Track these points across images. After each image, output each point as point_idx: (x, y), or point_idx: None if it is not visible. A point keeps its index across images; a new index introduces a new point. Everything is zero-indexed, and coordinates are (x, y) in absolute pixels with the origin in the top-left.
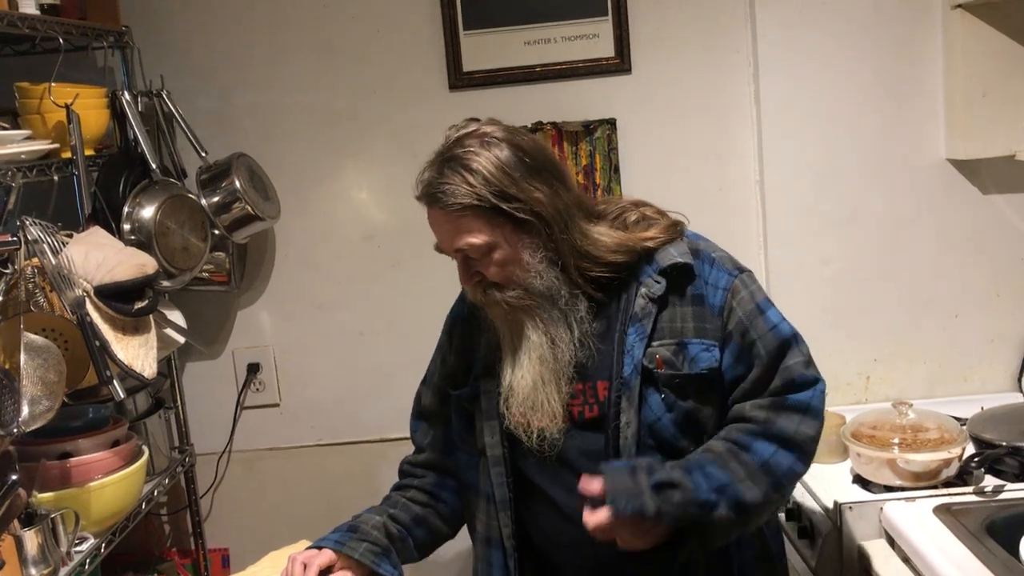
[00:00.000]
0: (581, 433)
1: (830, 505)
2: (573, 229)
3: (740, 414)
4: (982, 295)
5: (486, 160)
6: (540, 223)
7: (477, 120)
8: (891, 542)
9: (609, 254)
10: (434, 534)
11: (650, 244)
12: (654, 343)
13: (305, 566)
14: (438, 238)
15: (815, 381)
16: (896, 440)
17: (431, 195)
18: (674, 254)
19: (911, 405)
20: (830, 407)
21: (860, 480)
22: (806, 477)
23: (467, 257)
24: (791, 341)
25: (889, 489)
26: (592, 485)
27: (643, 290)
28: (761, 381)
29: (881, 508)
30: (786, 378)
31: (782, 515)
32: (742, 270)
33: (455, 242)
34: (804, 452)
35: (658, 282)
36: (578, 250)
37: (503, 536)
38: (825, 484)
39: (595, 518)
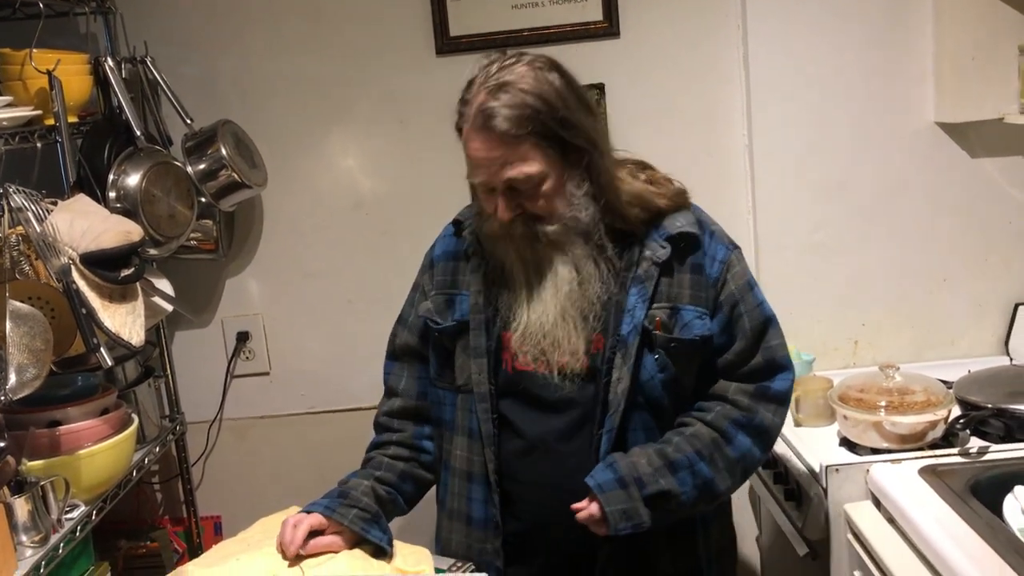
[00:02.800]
0: (568, 382)
1: (817, 467)
2: (609, 163)
3: (724, 393)
4: (970, 259)
5: (545, 85)
6: (591, 152)
7: (504, 53)
8: (877, 503)
9: (626, 205)
10: (420, 485)
11: (662, 204)
12: (654, 306)
13: (296, 527)
14: (483, 167)
15: (790, 367)
16: (883, 403)
17: (486, 120)
18: (682, 223)
19: (898, 368)
20: (818, 371)
21: (847, 443)
22: (794, 440)
23: (512, 188)
24: (773, 321)
25: (875, 451)
26: (590, 509)
27: (648, 253)
28: (744, 354)
29: (867, 470)
30: (768, 357)
31: (771, 480)
32: (735, 246)
33: (507, 172)
34: (772, 444)
35: (663, 247)
36: (609, 188)
37: (488, 471)
38: (812, 447)
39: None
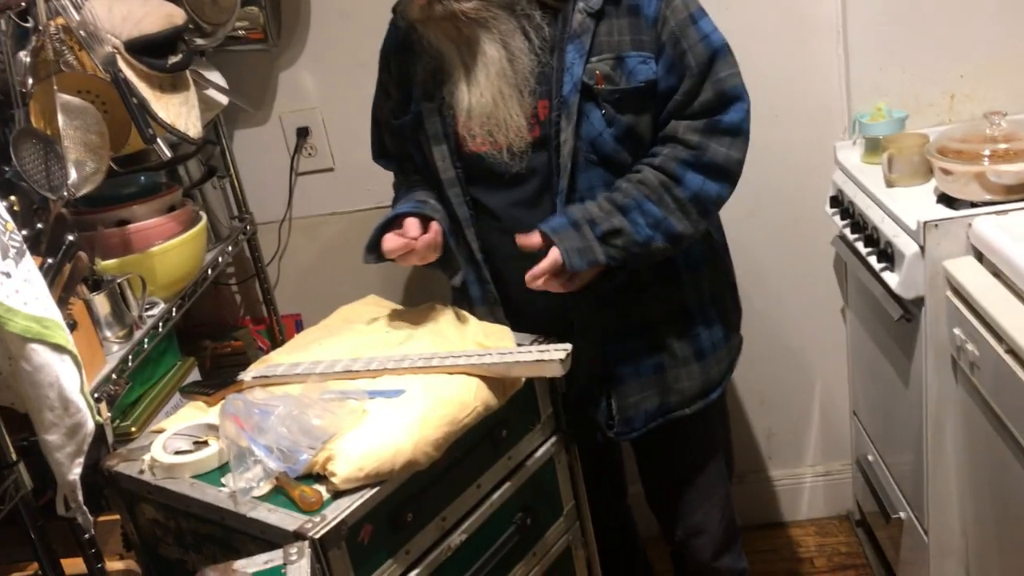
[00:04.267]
0: (517, 159)
1: (913, 225)
2: None
3: (674, 134)
4: None
5: None
6: None
7: None
8: (979, 258)
9: None
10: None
11: None
12: (593, 59)
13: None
14: None
15: (743, 97)
16: (987, 152)
17: None
18: None
19: (1004, 114)
20: (911, 128)
21: (945, 199)
22: (887, 201)
23: None
24: (721, 51)
25: (978, 206)
26: (531, 240)
27: (580, 5)
28: (692, 92)
29: (969, 224)
30: (717, 90)
31: (860, 243)
32: None
33: None
34: (732, 178)
35: None
36: None
37: (473, 251)
38: (907, 206)
39: (543, 277)
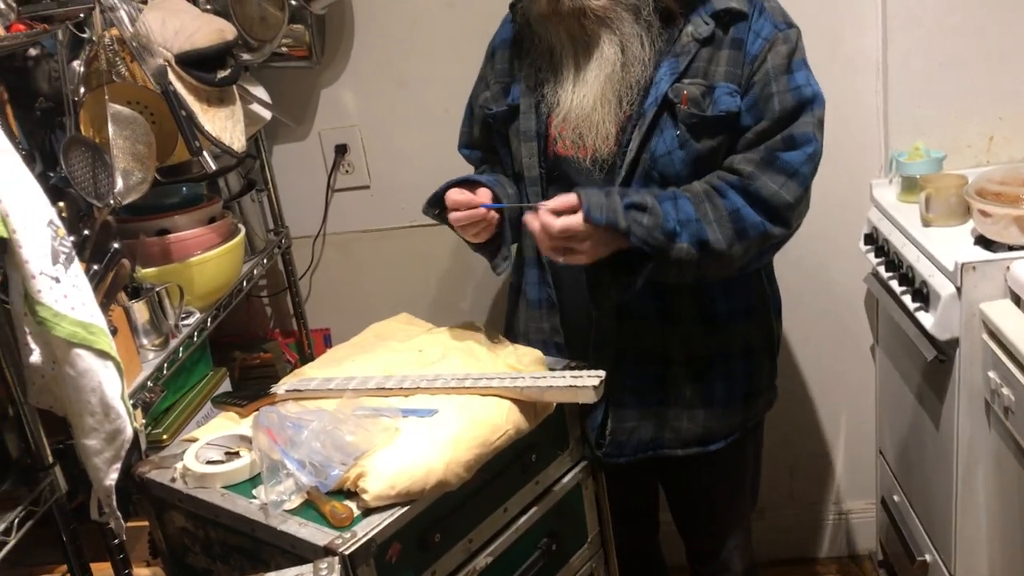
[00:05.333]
0: (598, 168)
1: (950, 267)
2: None
3: (731, 164)
4: None
5: None
6: None
7: None
8: (1017, 301)
9: None
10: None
11: None
12: (684, 80)
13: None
14: None
15: (811, 142)
16: None
17: None
18: None
19: None
20: (948, 169)
21: (983, 241)
22: (923, 241)
23: None
24: (811, 104)
25: (1015, 248)
26: (565, 200)
27: (689, 29)
28: (764, 135)
29: (1008, 267)
30: (787, 134)
31: (895, 282)
32: (790, 25)
33: None
34: (777, 217)
35: (707, 24)
36: None
37: (539, 254)
38: (944, 247)
39: (564, 221)
